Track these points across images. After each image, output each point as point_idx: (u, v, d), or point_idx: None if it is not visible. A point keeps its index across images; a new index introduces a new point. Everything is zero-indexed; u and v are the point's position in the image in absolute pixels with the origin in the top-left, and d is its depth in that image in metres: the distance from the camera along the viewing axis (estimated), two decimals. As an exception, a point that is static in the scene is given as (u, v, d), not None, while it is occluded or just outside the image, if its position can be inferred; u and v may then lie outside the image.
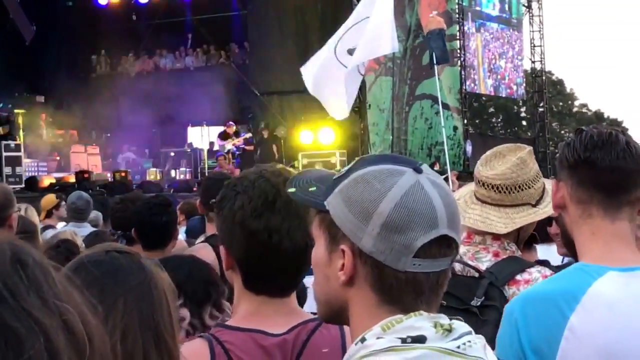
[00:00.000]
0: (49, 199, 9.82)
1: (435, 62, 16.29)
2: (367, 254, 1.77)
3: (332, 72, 12.06)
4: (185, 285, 3.42)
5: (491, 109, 58.40)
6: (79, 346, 1.04)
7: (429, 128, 28.22)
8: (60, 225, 9.10)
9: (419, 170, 1.80)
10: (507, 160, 3.63)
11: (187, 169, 26.83)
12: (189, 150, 28.11)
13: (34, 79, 28.54)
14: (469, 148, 28.82)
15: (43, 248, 5.03)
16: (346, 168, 1.87)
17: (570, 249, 2.37)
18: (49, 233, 8.29)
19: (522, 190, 3.58)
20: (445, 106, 28.40)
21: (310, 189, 1.92)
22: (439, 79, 27.84)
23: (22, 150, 21.25)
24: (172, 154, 28.40)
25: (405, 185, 1.77)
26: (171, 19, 31.54)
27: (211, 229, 5.56)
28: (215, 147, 27.15)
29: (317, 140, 27.56)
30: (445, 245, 1.78)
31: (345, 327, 2.44)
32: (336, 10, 25.16)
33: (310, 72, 12.04)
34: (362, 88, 25.97)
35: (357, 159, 1.90)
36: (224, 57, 32.12)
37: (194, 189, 21.60)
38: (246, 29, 31.25)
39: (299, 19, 28.06)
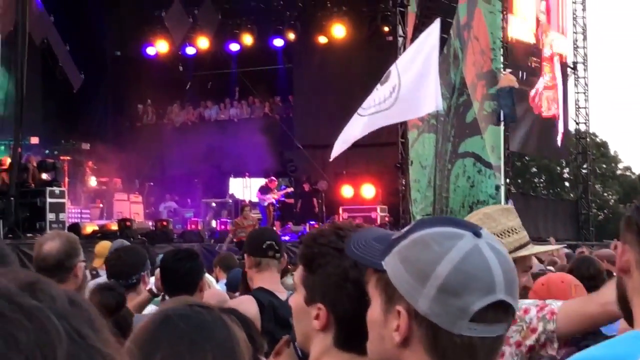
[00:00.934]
0: (104, 245, 9.81)
1: (503, 119, 16.24)
2: (423, 316, 1.77)
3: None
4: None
5: (534, 169, 58.15)
6: None
7: (470, 186, 28.09)
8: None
9: (478, 234, 1.81)
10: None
11: (228, 220, 26.88)
12: (230, 201, 28.19)
13: (81, 127, 28.86)
14: (510, 207, 28.62)
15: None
16: (405, 229, 1.89)
17: (626, 315, 2.33)
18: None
19: None
20: (488, 165, 28.32)
21: (368, 248, 1.94)
22: (482, 137, 27.97)
23: (66, 196, 21.42)
24: (214, 204, 28.48)
25: (463, 249, 1.78)
26: (217, 70, 31.82)
27: (259, 281, 5.50)
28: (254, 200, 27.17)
29: (358, 195, 27.59)
30: (501, 310, 1.78)
31: None
32: (380, 66, 25.26)
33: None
34: (405, 144, 26.04)
35: (416, 220, 1.92)
36: (267, 109, 32.31)
37: (235, 239, 21.62)
38: (291, 82, 31.50)
39: (342, 73, 28.21)
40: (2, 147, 23.97)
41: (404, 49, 24.56)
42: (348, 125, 12.36)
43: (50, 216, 20.24)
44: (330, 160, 13.35)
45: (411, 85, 11.55)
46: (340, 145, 12.33)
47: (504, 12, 30.01)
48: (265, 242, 5.48)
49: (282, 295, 5.38)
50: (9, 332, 0.93)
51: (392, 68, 11.94)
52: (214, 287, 8.06)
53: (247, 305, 5.21)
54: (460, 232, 1.81)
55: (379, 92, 11.84)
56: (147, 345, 1.89)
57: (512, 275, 1.82)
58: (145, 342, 1.90)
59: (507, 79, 16.30)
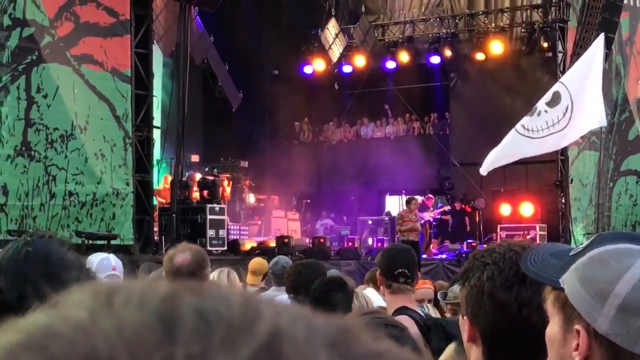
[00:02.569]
0: (259, 262, 9.95)
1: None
2: (603, 336, 1.72)
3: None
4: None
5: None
6: None
7: (633, 205, 27.44)
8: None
9: None
10: None
11: (385, 237, 26.88)
12: (386, 218, 28.19)
13: (239, 145, 29.37)
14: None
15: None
16: (583, 245, 1.84)
17: None
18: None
19: None
20: (651, 183, 27.62)
21: (544, 265, 1.89)
22: (645, 154, 27.25)
23: (226, 213, 21.80)
24: (370, 222, 28.53)
25: None
26: (373, 88, 31.92)
27: (394, 302, 5.45)
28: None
29: (516, 213, 27.21)
30: None
31: None
32: (538, 82, 24.93)
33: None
34: (565, 162, 25.56)
35: (595, 235, 1.86)
36: (424, 126, 32.23)
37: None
38: (447, 99, 31.36)
39: (500, 90, 27.93)
40: (164, 165, 24.59)
41: (564, 64, 24.19)
42: (507, 143, 12.21)
43: (211, 232, 20.63)
44: (484, 175, 13.24)
45: (581, 105, 11.38)
46: (496, 161, 12.22)
47: (669, 26, 29.17)
48: (397, 269, 5.43)
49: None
50: None
51: (560, 88, 11.75)
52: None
53: (407, 324, 5.17)
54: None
55: (550, 115, 11.66)
56: None
57: None
58: None
59: None
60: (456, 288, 4.88)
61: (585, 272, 1.77)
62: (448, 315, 4.82)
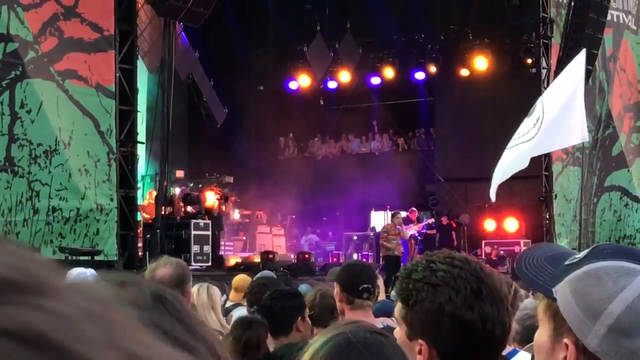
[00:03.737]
0: (242, 278, 9.91)
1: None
2: (591, 353, 1.71)
3: (504, 158, 12.07)
4: None
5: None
6: None
7: (617, 220, 27.50)
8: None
9: None
10: None
11: (370, 253, 26.88)
12: (372, 234, 28.18)
13: (224, 160, 29.33)
14: (659, 242, 27.92)
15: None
16: (580, 256, 1.82)
17: None
18: (237, 312, 8.38)
19: None
20: (635, 198, 27.67)
21: (539, 270, 1.89)
22: (628, 170, 27.33)
23: (210, 229, 21.76)
24: (355, 237, 28.52)
25: (638, 288, 1.70)
26: (358, 104, 31.96)
27: (353, 317, 5.36)
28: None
29: (501, 228, 27.26)
30: None
31: None
32: (523, 98, 25.00)
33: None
34: (549, 177, 25.62)
35: (592, 246, 1.85)
36: (409, 142, 32.28)
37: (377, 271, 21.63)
38: (432, 115, 31.45)
39: (485, 106, 28.00)
40: (148, 180, 24.54)
41: (548, 80, 24.25)
42: (501, 161, 12.24)
43: (195, 248, 20.58)
44: (493, 201, 13.21)
45: (556, 117, 11.39)
46: (497, 182, 12.24)
47: (652, 42, 29.31)
48: (362, 284, 5.42)
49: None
50: None
51: (538, 101, 11.82)
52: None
53: None
54: (637, 269, 1.73)
55: (524, 125, 11.73)
56: None
57: None
58: None
59: None
60: None
61: (580, 286, 1.75)
62: None
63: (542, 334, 1.84)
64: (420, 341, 2.43)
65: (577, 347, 1.73)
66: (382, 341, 1.94)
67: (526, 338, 4.38)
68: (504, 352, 3.78)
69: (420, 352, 2.43)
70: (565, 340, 1.76)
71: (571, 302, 1.75)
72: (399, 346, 1.96)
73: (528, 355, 3.97)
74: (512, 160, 11.91)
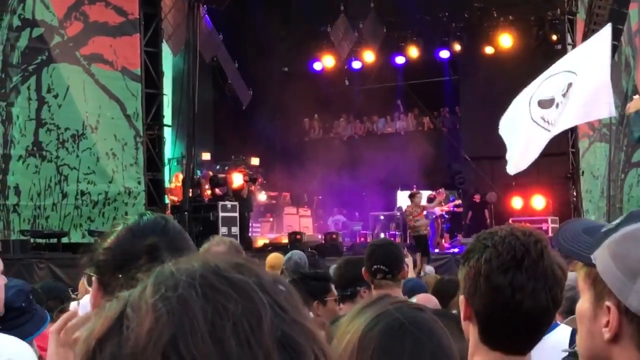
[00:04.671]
0: (276, 256, 10.05)
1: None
2: (634, 313, 1.74)
3: (521, 125, 11.98)
4: None
5: None
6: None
7: (645, 196, 27.38)
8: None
9: None
10: None
11: (397, 232, 26.88)
12: (398, 214, 28.16)
13: (250, 142, 29.36)
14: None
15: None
16: (616, 221, 1.84)
17: None
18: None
19: None
20: (662, 174, 27.52)
21: (576, 240, 1.90)
22: (656, 145, 27.14)
23: (238, 211, 21.82)
24: (382, 217, 28.52)
25: None
26: (383, 84, 31.89)
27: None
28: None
29: (528, 206, 27.17)
30: None
31: None
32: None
33: (507, 116, 12.10)
34: (576, 154, 25.50)
35: (627, 213, 1.87)
36: (435, 121, 32.19)
37: (404, 251, 21.61)
38: (457, 94, 31.33)
39: (510, 83, 27.82)
40: (175, 163, 24.62)
41: (574, 57, 24.04)
42: (530, 137, 12.13)
43: (223, 230, 20.63)
44: (511, 174, 13.12)
45: (582, 90, 11.32)
46: (526, 159, 12.13)
47: (678, 16, 29.06)
48: (374, 265, 5.44)
49: None
50: (219, 301, 1.04)
51: (572, 79, 11.69)
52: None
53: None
54: None
55: (560, 105, 11.63)
56: (387, 356, 1.88)
57: None
58: (385, 353, 1.87)
59: (637, 103, 15.64)
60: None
61: (618, 249, 1.77)
62: None
63: (584, 303, 1.87)
64: (461, 296, 2.54)
65: (619, 309, 1.76)
66: (427, 319, 1.94)
67: (567, 309, 4.40)
68: None
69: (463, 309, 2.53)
70: (607, 303, 1.78)
71: (611, 266, 1.76)
72: (438, 320, 1.98)
73: (568, 329, 3.96)
74: (535, 139, 11.82)
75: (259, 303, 1.05)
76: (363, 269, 5.56)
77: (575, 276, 1.95)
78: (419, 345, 1.84)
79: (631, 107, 14.20)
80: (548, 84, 12.00)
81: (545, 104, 11.97)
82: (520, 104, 12.06)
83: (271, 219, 27.47)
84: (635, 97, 14.65)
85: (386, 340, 1.88)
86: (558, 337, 3.84)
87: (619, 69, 25.81)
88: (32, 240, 17.51)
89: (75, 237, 18.12)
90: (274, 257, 10.05)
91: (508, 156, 12.22)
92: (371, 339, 1.90)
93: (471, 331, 2.53)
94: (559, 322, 4.11)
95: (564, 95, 11.77)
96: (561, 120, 11.73)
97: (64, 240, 17.85)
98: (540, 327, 2.50)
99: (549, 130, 11.82)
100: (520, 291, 2.43)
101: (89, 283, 2.63)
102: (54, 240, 17.90)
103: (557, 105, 11.86)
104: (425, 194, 26.14)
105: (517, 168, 12.30)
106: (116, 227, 2.53)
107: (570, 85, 11.73)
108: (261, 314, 1.04)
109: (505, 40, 28.62)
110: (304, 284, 5.90)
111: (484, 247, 2.49)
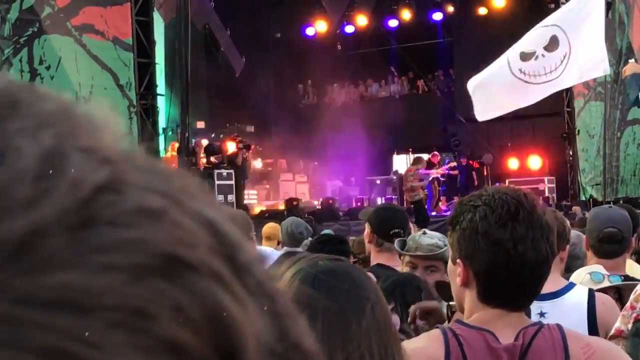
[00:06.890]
0: (272, 226, 9.92)
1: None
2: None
3: (497, 75, 11.92)
4: (395, 291, 3.45)
5: None
6: None
7: (641, 153, 27.33)
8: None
9: None
10: None
11: (393, 197, 26.86)
12: (394, 177, 28.14)
13: (244, 110, 29.27)
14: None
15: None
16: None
17: None
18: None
19: None
20: (659, 131, 27.47)
21: None
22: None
23: (234, 179, 21.78)
24: (378, 181, 28.49)
25: None
26: (376, 47, 31.77)
27: (377, 258, 5.49)
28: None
29: (524, 167, 27.16)
30: None
31: (566, 329, 2.50)
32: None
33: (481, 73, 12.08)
34: (571, 113, 25.45)
35: None
36: (429, 84, 32.10)
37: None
38: (451, 56, 31.21)
39: (504, 44, 27.71)
40: (170, 132, 24.55)
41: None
42: (504, 86, 12.05)
43: (219, 198, 20.61)
44: (479, 121, 13.05)
45: (579, 51, 11.26)
46: (495, 109, 12.10)
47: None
48: (393, 229, 5.41)
49: (400, 270, 5.17)
50: None
51: (557, 32, 11.61)
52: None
53: None
54: None
55: (548, 60, 11.55)
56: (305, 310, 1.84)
57: None
58: (302, 308, 1.84)
59: (632, 67, 15.54)
60: (418, 237, 4.87)
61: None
62: (406, 269, 4.74)
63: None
64: (458, 261, 2.52)
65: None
66: (343, 266, 1.91)
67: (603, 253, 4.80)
68: (560, 287, 3.81)
69: (459, 274, 2.52)
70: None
71: None
72: (361, 269, 1.97)
73: (585, 288, 3.98)
74: (531, 93, 11.76)
75: None
76: (369, 231, 5.56)
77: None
78: (334, 290, 1.81)
79: (627, 70, 14.17)
80: (531, 37, 11.95)
81: (526, 57, 11.89)
82: (500, 59, 12.00)
83: (267, 186, 27.45)
84: (631, 60, 14.63)
85: (299, 296, 1.86)
86: (576, 296, 3.88)
87: (613, 26, 25.69)
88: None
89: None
90: (269, 228, 9.91)
91: (475, 102, 12.13)
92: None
93: (467, 296, 2.54)
94: (574, 283, 4.10)
95: (545, 47, 11.71)
96: (560, 81, 11.68)
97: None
98: (540, 279, 2.52)
99: (526, 82, 11.77)
100: (521, 242, 2.44)
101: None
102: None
103: (537, 58, 11.79)
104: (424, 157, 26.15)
105: (484, 114, 12.23)
106: None
107: (553, 37, 11.66)
108: None
109: (499, 0, 28.48)
110: (333, 245, 5.92)
111: (474, 207, 2.50)
